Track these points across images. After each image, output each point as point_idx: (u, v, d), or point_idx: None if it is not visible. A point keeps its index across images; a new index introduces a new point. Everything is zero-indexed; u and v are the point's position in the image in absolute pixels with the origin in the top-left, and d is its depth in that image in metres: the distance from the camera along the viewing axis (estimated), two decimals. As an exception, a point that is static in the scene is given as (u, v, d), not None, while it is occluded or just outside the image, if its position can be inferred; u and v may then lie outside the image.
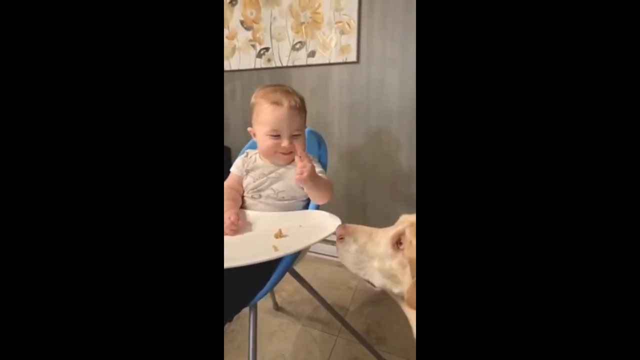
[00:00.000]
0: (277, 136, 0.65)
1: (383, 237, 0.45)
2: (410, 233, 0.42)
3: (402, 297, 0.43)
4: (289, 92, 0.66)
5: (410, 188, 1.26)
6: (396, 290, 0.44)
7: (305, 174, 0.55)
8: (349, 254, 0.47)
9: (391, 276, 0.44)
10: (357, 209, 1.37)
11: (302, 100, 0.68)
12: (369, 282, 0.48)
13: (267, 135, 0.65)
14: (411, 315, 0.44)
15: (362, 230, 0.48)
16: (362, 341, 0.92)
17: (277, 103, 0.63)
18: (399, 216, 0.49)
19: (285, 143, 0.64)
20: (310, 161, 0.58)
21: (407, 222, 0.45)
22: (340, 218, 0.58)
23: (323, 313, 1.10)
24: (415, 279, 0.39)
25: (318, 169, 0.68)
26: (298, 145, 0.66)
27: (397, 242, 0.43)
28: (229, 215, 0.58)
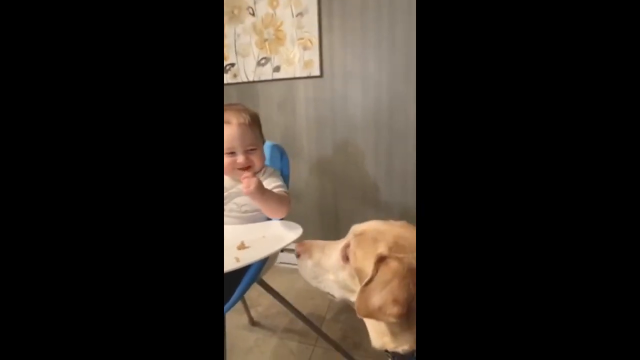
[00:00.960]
0: (232, 153, 0.67)
1: (334, 249, 0.47)
2: (355, 244, 0.44)
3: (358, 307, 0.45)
4: (239, 109, 0.69)
5: (379, 195, 1.31)
6: (352, 299, 0.46)
7: (252, 187, 0.57)
8: (307, 269, 0.49)
9: (345, 286, 0.46)
10: (330, 217, 1.40)
11: (253, 116, 0.70)
12: (329, 294, 0.49)
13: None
14: (368, 324, 0.45)
15: (317, 245, 0.50)
16: (339, 348, 0.93)
17: (226, 122, 0.66)
18: None
19: (240, 159, 0.67)
20: (255, 175, 0.59)
21: (352, 233, 0.47)
22: (314, 226, 0.59)
23: (300, 324, 1.09)
24: (360, 288, 0.41)
25: (277, 182, 0.70)
26: (255, 159, 0.68)
27: (345, 255, 0.45)
28: None
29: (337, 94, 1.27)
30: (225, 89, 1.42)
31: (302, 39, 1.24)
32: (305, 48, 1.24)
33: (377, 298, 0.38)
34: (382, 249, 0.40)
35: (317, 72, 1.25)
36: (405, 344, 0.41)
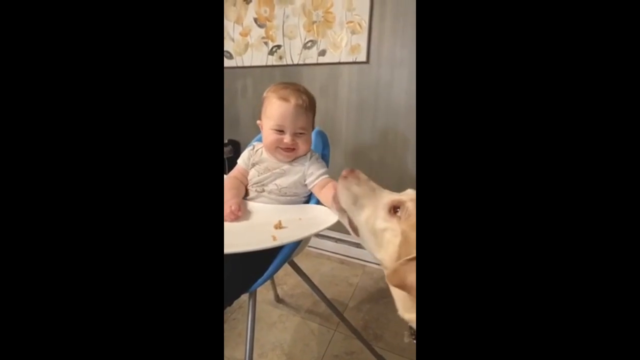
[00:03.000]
0: (281, 131, 0.66)
1: (385, 196, 0.46)
2: (412, 206, 0.42)
3: (382, 265, 0.44)
4: (300, 90, 0.68)
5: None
6: (377, 254, 0.44)
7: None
8: (347, 192, 0.48)
9: (375, 234, 0.44)
10: (362, 207, 1.38)
11: (311, 100, 0.69)
12: (350, 226, 0.49)
13: (271, 129, 0.67)
14: (396, 295, 0.43)
15: (368, 181, 0.49)
16: (359, 337, 0.94)
17: (284, 99, 0.65)
18: None
19: (287, 139, 0.66)
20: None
21: (408, 195, 0.45)
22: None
23: (322, 307, 1.12)
24: (404, 260, 0.38)
25: (322, 169, 0.70)
26: (301, 143, 0.68)
27: (394, 209, 0.43)
28: (230, 205, 0.60)
29: (382, 81, 1.22)
30: (270, 70, 1.43)
31: (351, 22, 1.20)
32: (353, 32, 1.21)
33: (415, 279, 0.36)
34: None
35: (363, 58, 1.22)
36: None
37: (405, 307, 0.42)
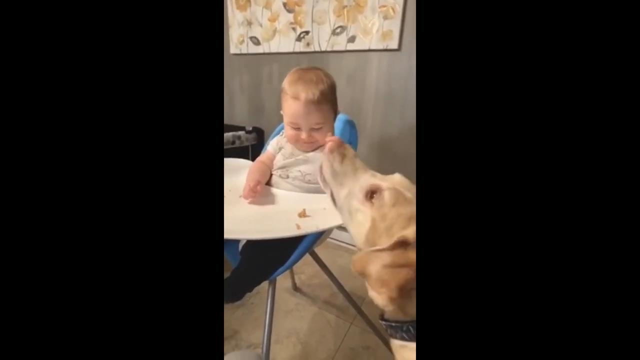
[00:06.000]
0: (298, 128, 0.66)
1: (364, 179, 0.45)
2: (389, 198, 0.40)
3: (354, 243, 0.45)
4: (313, 81, 0.64)
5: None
6: (349, 228, 0.45)
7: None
8: (329, 167, 0.48)
9: (350, 213, 0.44)
10: (384, 201, 1.35)
11: (327, 87, 0.64)
12: (331, 198, 0.49)
13: (288, 125, 0.67)
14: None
15: (353, 159, 0.48)
16: (376, 331, 0.92)
17: (295, 97, 0.63)
18: None
19: (303, 136, 0.65)
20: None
21: (392, 182, 0.43)
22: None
23: (339, 299, 1.11)
24: (368, 250, 0.39)
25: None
26: (319, 136, 0.66)
27: (371, 193, 0.42)
28: (250, 182, 0.61)
29: (413, 70, 1.16)
30: (296, 57, 1.40)
31: (384, 6, 1.14)
32: (386, 17, 1.15)
33: (379, 271, 0.36)
34: (409, 233, 0.37)
35: (394, 45, 1.16)
36: (400, 315, 0.40)
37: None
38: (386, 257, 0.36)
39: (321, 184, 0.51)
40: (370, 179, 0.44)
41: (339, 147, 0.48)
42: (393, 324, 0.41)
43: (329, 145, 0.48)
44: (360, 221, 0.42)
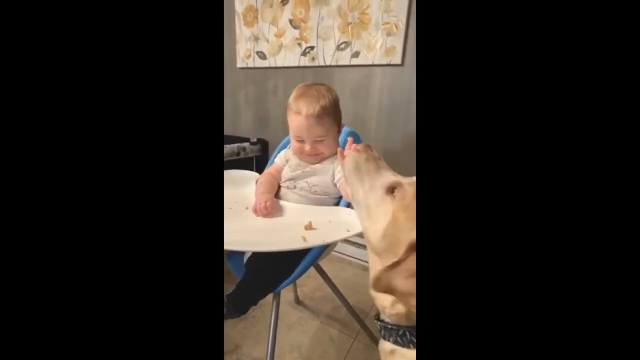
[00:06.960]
0: (302, 141, 0.68)
1: (386, 178, 0.46)
2: (410, 190, 0.42)
3: (365, 235, 0.45)
4: (315, 97, 0.66)
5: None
6: (365, 224, 0.45)
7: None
8: (354, 164, 0.49)
9: (368, 209, 0.45)
10: (387, 214, 1.35)
11: (329, 102, 0.66)
12: (350, 193, 0.50)
13: (294, 138, 0.70)
14: (376, 296, 0.43)
15: (378, 160, 0.50)
16: (381, 348, 0.90)
17: (298, 112, 0.66)
18: None
19: (307, 148, 0.68)
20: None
21: (413, 181, 0.44)
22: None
23: (343, 314, 1.09)
24: (385, 267, 0.38)
25: None
26: (323, 148, 0.69)
27: (392, 189, 0.43)
28: (265, 200, 0.62)
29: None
30: (302, 72, 1.44)
31: (387, 23, 1.17)
32: (389, 34, 1.18)
33: (403, 284, 0.36)
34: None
35: (398, 61, 1.19)
36: (403, 320, 0.40)
37: (382, 299, 0.42)
38: (409, 267, 0.36)
39: (343, 179, 0.51)
40: (392, 177, 0.46)
41: (367, 149, 0.51)
42: (389, 326, 0.40)
43: (358, 145, 0.51)
44: (379, 216, 0.42)
